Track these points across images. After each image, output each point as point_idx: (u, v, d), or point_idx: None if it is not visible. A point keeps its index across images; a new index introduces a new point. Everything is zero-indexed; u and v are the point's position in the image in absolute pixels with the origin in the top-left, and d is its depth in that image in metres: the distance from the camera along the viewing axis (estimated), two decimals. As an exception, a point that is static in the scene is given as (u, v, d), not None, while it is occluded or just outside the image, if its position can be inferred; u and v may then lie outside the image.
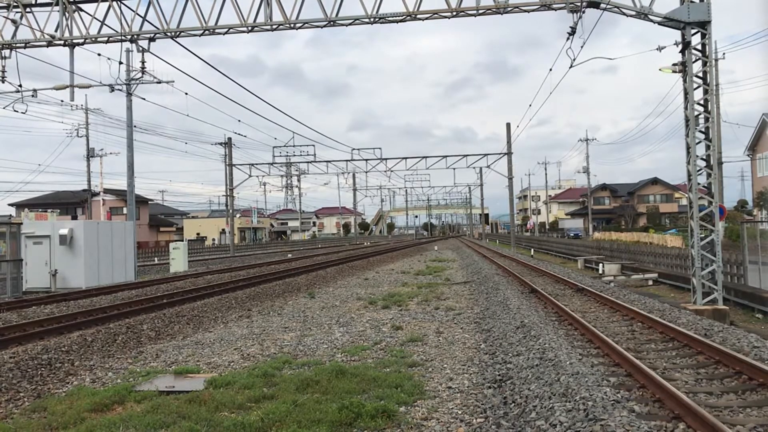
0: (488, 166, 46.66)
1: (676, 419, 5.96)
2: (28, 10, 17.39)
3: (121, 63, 23.39)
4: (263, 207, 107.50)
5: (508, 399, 7.14)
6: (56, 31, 17.26)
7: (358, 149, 46.84)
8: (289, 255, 47.20)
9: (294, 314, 14.94)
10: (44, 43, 17.47)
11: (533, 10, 15.83)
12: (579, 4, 15.24)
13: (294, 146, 46.24)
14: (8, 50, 17.88)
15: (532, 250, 51.77)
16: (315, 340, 11.38)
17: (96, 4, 17.39)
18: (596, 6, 15.08)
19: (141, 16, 17.40)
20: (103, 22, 17.39)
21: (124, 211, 52.15)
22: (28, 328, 12.61)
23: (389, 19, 16.36)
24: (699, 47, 15.06)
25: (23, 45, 17.77)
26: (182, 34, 17.18)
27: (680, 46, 15.25)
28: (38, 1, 17.43)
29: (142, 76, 26.31)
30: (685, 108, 15.18)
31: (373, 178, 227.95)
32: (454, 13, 16.03)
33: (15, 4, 17.12)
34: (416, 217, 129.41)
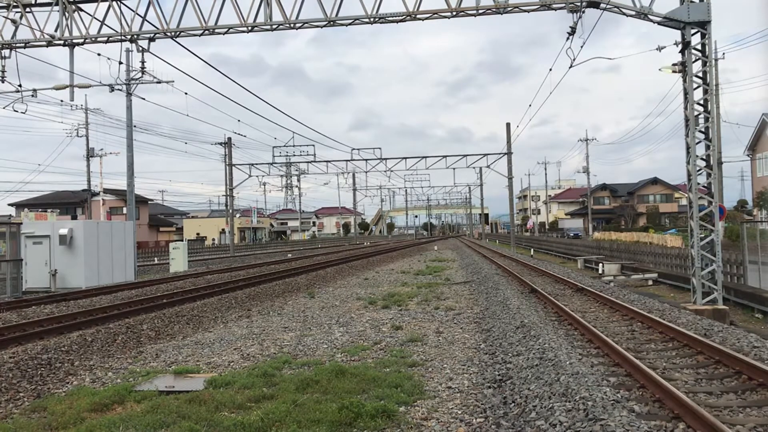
0: (488, 166, 46.65)
1: (676, 419, 5.96)
2: (28, 10, 17.39)
3: (121, 63, 23.42)
4: (263, 207, 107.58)
5: (508, 399, 7.14)
6: (56, 31, 17.26)
7: (358, 149, 46.87)
8: (289, 255, 47.21)
9: (294, 314, 14.94)
10: (44, 43, 17.47)
11: (533, 10, 15.83)
12: (579, 4, 15.25)
13: (294, 146, 46.24)
14: (8, 50, 17.89)
15: (532, 250, 51.77)
16: (315, 340, 11.38)
17: (96, 4, 17.40)
18: (596, 6, 15.08)
19: (141, 16, 17.42)
20: (103, 22, 17.40)
21: (124, 211, 52.16)
22: (27, 328, 12.60)
23: (389, 19, 16.37)
24: (699, 47, 15.06)
25: (23, 45, 17.77)
26: (182, 34, 17.18)
27: (680, 46, 15.26)
28: (38, 1, 17.43)
29: (141, 76, 26.33)
30: (685, 108, 15.18)
31: (373, 178, 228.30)
32: (454, 13, 16.04)
33: (15, 4, 17.13)
34: (416, 217, 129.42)
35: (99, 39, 17.49)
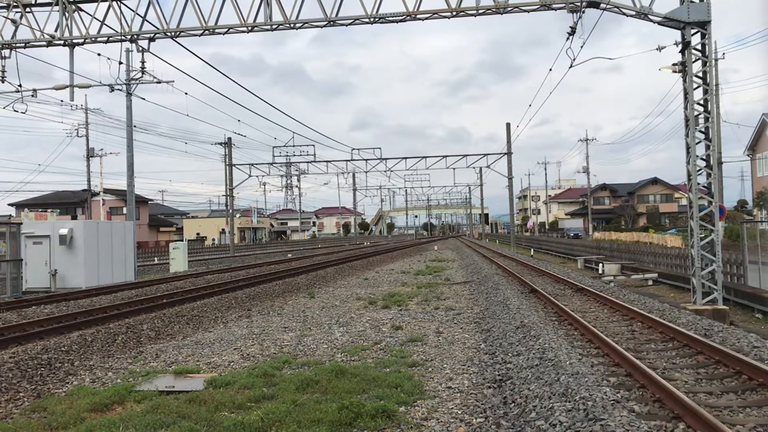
0: (488, 166, 46.68)
1: (676, 419, 5.96)
2: (28, 10, 17.38)
3: (121, 63, 23.41)
4: (263, 207, 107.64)
5: (508, 399, 7.14)
6: (56, 31, 17.25)
7: (358, 149, 46.88)
8: (289, 255, 47.20)
9: (294, 314, 14.94)
10: (44, 43, 17.47)
11: (533, 10, 15.83)
12: (579, 4, 15.24)
13: (294, 146, 46.27)
14: (8, 50, 17.88)
15: (532, 250, 51.77)
16: (315, 340, 11.38)
17: (96, 4, 17.39)
18: (596, 6, 15.07)
19: (141, 16, 17.41)
20: (103, 22, 17.39)
21: (124, 211, 52.13)
22: (28, 328, 12.60)
23: (389, 19, 16.37)
24: (699, 47, 15.06)
25: (23, 45, 17.76)
26: (182, 34, 17.18)
27: (680, 46, 15.25)
28: (38, 1, 17.43)
29: (142, 76, 26.32)
30: (685, 108, 15.18)
31: (373, 178, 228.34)
32: (454, 13, 16.03)
33: (15, 4, 17.12)
34: (416, 217, 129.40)
35: (99, 39, 17.48)
